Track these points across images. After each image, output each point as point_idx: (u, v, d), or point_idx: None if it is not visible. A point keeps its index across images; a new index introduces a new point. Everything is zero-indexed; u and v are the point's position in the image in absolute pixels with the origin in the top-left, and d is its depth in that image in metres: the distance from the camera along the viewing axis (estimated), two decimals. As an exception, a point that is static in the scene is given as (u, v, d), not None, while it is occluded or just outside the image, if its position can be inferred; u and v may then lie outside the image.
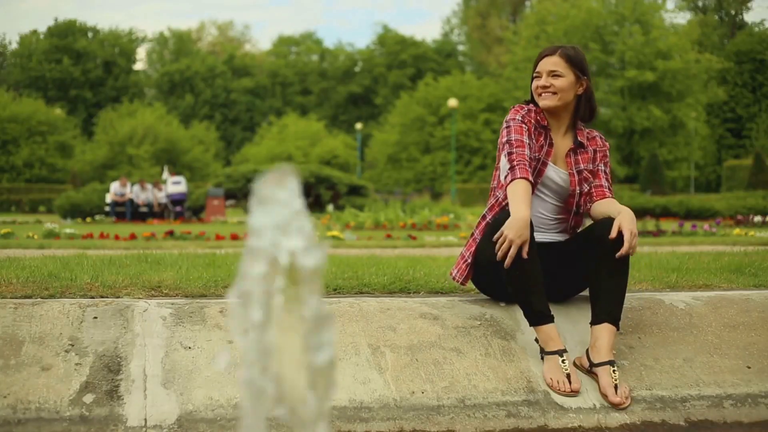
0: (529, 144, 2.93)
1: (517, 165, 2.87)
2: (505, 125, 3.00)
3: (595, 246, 2.85)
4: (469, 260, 3.09)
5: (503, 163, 2.96)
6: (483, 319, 2.98)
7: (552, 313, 2.81)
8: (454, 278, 3.15)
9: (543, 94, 2.97)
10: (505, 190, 2.87)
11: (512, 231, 2.71)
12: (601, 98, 41.55)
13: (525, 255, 2.71)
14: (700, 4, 55.83)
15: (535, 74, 3.01)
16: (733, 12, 55.50)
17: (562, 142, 3.05)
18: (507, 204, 2.88)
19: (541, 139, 3.00)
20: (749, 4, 55.62)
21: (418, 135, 49.60)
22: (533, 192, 2.97)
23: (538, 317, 2.78)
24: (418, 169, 48.94)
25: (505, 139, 2.96)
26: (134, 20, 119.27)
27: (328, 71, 68.96)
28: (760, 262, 4.42)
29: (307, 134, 51.08)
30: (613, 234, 2.76)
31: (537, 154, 2.97)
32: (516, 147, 2.91)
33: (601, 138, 3.14)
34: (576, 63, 2.98)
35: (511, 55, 46.50)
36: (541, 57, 3.02)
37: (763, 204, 20.70)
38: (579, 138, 3.05)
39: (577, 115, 3.05)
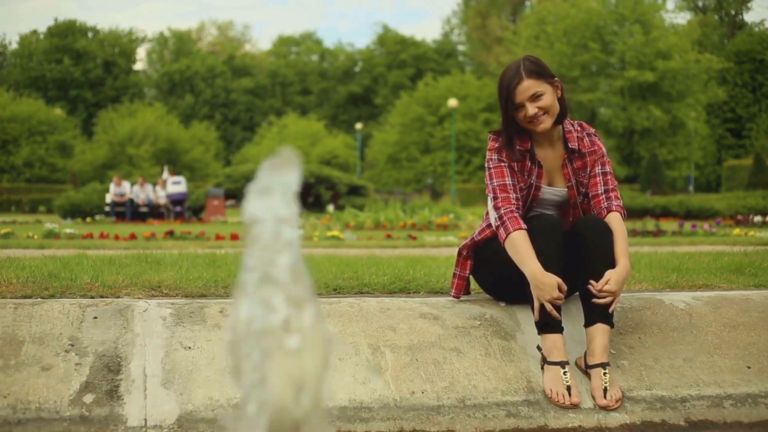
0: (512, 184, 2.89)
1: (505, 216, 2.83)
2: (486, 165, 2.95)
3: (580, 246, 2.82)
4: (467, 275, 3.15)
5: (490, 205, 2.94)
6: (483, 319, 2.98)
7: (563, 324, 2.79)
8: (457, 297, 3.17)
9: (535, 121, 2.84)
10: (503, 243, 2.83)
11: (541, 293, 2.71)
12: (601, 98, 41.59)
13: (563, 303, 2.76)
14: (700, 4, 55.83)
15: (516, 106, 2.84)
16: (733, 12, 55.49)
17: (554, 154, 2.97)
18: (495, 235, 2.92)
19: (528, 163, 2.93)
20: (749, 4, 55.64)
21: (418, 135, 49.63)
22: (532, 211, 2.98)
23: (548, 325, 2.74)
24: (418, 169, 48.96)
25: (488, 183, 2.94)
26: (134, 20, 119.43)
27: (328, 71, 68.97)
28: (760, 262, 4.42)
29: (307, 134, 51.12)
30: (599, 287, 2.74)
31: (524, 184, 2.92)
32: (500, 193, 2.87)
33: (588, 136, 2.99)
34: (542, 73, 2.86)
35: (511, 55, 46.50)
36: (510, 87, 2.83)
37: (763, 204, 20.71)
38: (570, 144, 2.94)
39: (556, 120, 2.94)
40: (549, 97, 2.84)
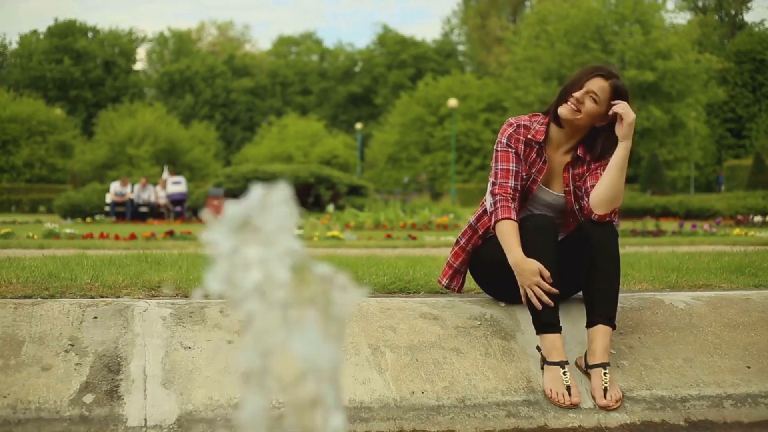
0: (515, 170, 2.90)
1: (499, 202, 2.86)
2: (494, 147, 2.98)
3: (584, 246, 2.84)
4: (455, 266, 3.14)
5: (489, 189, 2.95)
6: (483, 319, 2.98)
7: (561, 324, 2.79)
8: (442, 284, 3.18)
9: (569, 105, 2.87)
10: (492, 227, 2.89)
11: (523, 279, 2.75)
12: (601, 98, 41.45)
13: (549, 289, 2.74)
14: (700, 4, 55.82)
15: (580, 86, 2.87)
16: (733, 12, 55.48)
17: (560, 158, 2.98)
18: (491, 226, 2.93)
19: (533, 155, 2.94)
20: (749, 4, 55.61)
21: (417, 135, 49.60)
22: (524, 207, 2.98)
23: (547, 326, 2.76)
24: (418, 169, 48.93)
25: (492, 165, 2.96)
26: (134, 20, 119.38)
27: (328, 71, 68.92)
28: (760, 262, 4.42)
29: (307, 134, 51.01)
30: (612, 111, 2.80)
31: (525, 173, 2.93)
32: (500, 178, 2.90)
33: None
34: (621, 96, 2.88)
35: (511, 55, 46.51)
36: (594, 73, 2.88)
37: (763, 204, 20.72)
38: (579, 152, 2.95)
39: (587, 146, 2.94)
40: (595, 110, 2.85)
